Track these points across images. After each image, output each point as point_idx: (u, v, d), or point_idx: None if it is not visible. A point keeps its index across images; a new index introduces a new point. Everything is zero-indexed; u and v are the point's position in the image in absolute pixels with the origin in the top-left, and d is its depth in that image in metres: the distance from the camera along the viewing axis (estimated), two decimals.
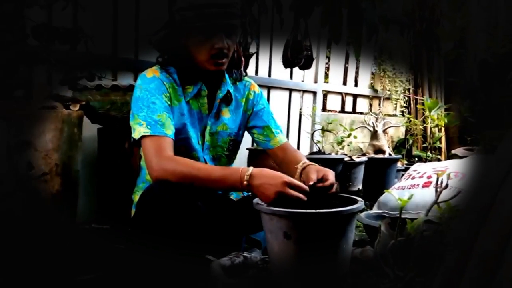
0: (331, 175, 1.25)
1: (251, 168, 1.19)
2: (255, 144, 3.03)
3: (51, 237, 1.54)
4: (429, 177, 1.44)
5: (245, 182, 1.16)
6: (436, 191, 0.87)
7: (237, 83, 1.55)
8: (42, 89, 1.66)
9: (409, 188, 1.45)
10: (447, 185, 0.85)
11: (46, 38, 1.78)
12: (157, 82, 1.35)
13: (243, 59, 1.51)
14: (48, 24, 1.87)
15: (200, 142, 1.46)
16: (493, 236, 0.41)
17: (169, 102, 1.36)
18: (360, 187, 3.11)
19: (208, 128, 1.46)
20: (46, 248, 1.51)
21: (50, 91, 1.70)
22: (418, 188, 1.42)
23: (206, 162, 1.46)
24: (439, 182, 0.88)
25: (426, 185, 1.41)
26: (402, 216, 1.36)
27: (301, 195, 1.12)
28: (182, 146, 1.40)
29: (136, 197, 1.44)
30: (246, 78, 1.59)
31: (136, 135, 1.30)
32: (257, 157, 2.69)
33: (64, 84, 1.82)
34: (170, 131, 1.30)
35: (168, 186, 1.19)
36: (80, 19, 2.19)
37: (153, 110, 1.30)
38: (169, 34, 1.38)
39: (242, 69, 1.53)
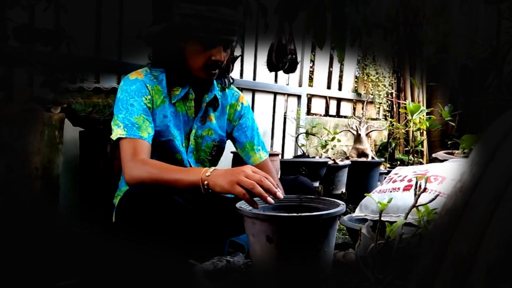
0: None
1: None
2: None
3: (31, 242, 1.51)
4: (410, 180, 1.46)
5: (207, 174, 1.17)
6: (415, 194, 0.88)
7: (226, 91, 1.57)
8: (22, 91, 1.63)
9: (390, 192, 1.46)
10: (425, 189, 0.87)
11: (28, 39, 1.75)
12: (138, 84, 1.37)
13: (231, 66, 1.55)
14: (29, 26, 1.84)
15: (184, 145, 1.47)
16: (465, 239, 0.42)
17: (149, 105, 1.37)
18: (344, 190, 3.13)
19: (193, 131, 1.48)
20: (26, 253, 1.48)
21: (30, 93, 1.67)
22: (399, 191, 1.44)
23: (190, 164, 1.48)
24: (417, 186, 0.89)
25: (406, 188, 1.43)
26: (384, 219, 1.38)
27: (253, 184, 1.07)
28: (166, 147, 1.42)
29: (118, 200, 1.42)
30: (235, 88, 1.62)
31: (113, 136, 1.32)
32: (242, 161, 2.68)
33: (46, 86, 1.78)
34: (146, 133, 1.32)
35: (146, 188, 1.19)
36: (63, 20, 2.16)
37: (131, 112, 1.32)
38: (164, 32, 1.36)
39: (229, 76, 1.56)
